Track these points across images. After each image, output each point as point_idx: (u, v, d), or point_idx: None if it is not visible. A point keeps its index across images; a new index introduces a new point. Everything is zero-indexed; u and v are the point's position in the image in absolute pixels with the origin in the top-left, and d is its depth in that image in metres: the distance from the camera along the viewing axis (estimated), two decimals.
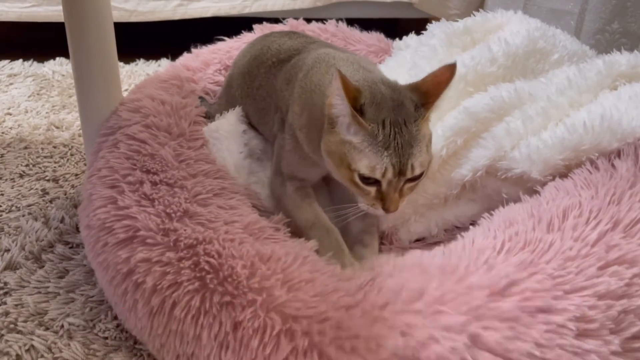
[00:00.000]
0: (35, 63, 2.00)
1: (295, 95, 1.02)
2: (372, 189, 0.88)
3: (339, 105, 0.85)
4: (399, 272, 0.79)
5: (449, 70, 0.88)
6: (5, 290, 1.00)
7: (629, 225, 0.82)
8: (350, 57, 1.04)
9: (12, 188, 1.30)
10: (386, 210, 0.88)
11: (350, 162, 0.86)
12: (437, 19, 1.36)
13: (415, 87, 0.90)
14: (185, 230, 0.87)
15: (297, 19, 1.61)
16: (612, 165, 0.94)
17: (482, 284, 0.74)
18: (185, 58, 1.52)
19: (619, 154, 0.96)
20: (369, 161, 0.85)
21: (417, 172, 0.87)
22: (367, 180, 0.87)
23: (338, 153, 0.88)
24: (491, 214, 0.95)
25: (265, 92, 1.18)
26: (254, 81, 1.21)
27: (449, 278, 0.76)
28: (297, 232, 1.00)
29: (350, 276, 0.82)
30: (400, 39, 1.52)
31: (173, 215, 0.90)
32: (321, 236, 0.97)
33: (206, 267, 0.81)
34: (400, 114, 0.86)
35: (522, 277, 0.75)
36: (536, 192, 0.96)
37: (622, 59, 1.12)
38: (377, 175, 0.85)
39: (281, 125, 1.09)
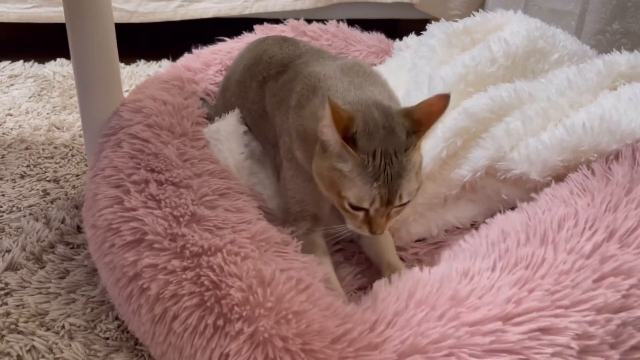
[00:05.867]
0: (36, 64, 2.00)
1: (290, 122, 1.01)
2: (360, 214, 0.88)
3: (329, 133, 0.85)
4: (405, 314, 0.77)
5: (442, 101, 0.87)
6: (6, 290, 1.01)
7: (625, 235, 0.81)
8: (337, 73, 1.01)
9: (13, 189, 1.31)
10: (372, 233, 0.89)
11: (340, 189, 0.87)
12: (438, 20, 1.36)
13: (407, 113, 0.89)
14: (192, 236, 0.86)
15: (297, 19, 1.61)
16: (609, 168, 0.94)
17: (494, 315, 0.73)
18: (186, 59, 1.52)
19: (617, 155, 0.96)
20: (358, 191, 0.85)
21: (405, 200, 0.87)
22: (355, 206, 0.87)
23: (328, 178, 0.88)
24: (490, 219, 0.95)
25: (260, 108, 1.17)
26: (248, 93, 1.20)
27: (460, 311, 0.75)
28: None
29: (348, 314, 0.80)
30: (401, 39, 1.52)
31: (181, 219, 0.89)
32: None
33: (206, 282, 0.80)
34: (391, 143, 0.85)
35: (523, 295, 0.75)
36: (533, 199, 0.96)
37: (621, 59, 1.12)
38: (365, 205, 0.86)
39: (280, 155, 1.08)
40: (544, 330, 0.71)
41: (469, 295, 0.77)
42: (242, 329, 0.75)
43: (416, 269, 0.88)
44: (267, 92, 1.14)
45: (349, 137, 0.84)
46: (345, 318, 0.78)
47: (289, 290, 0.80)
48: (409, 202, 0.89)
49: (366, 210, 0.87)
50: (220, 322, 0.77)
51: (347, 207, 0.87)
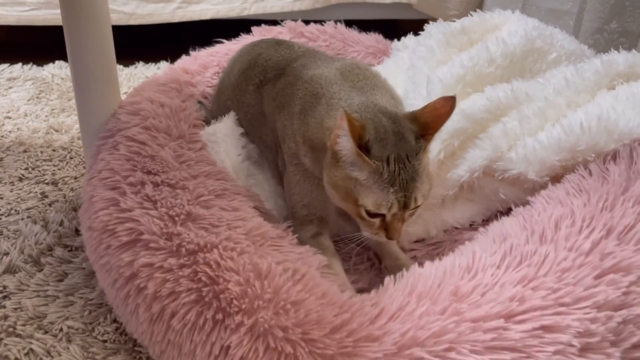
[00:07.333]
0: (34, 66, 2.00)
1: (295, 128, 1.01)
2: (377, 220, 0.89)
3: (344, 143, 0.85)
4: (407, 308, 0.77)
5: (448, 103, 0.88)
6: (4, 293, 1.01)
7: (622, 232, 0.81)
8: (338, 78, 1.01)
9: (12, 191, 1.31)
10: (390, 238, 0.90)
11: (356, 197, 0.87)
12: (436, 20, 1.36)
13: (414, 118, 0.90)
14: (188, 234, 0.86)
15: (295, 20, 1.61)
16: (606, 168, 0.93)
17: (496, 312, 0.73)
18: (183, 61, 1.52)
19: (614, 155, 0.95)
20: (376, 198, 0.86)
21: (420, 202, 0.89)
22: (373, 213, 0.88)
23: (344, 188, 0.89)
24: (485, 229, 0.94)
25: (257, 111, 1.17)
26: (243, 96, 1.20)
27: (462, 307, 0.75)
28: None
29: (346, 304, 0.80)
30: (399, 40, 1.52)
31: (176, 218, 0.89)
32: None
33: (203, 278, 0.80)
34: (402, 148, 0.87)
35: (527, 294, 0.75)
36: (528, 203, 0.95)
37: (619, 59, 1.12)
38: (383, 210, 0.87)
39: (283, 160, 1.08)
40: (546, 329, 0.72)
41: (472, 291, 0.77)
42: (242, 322, 0.76)
43: (417, 264, 0.88)
44: (264, 95, 1.14)
45: (362, 146, 0.85)
46: (342, 307, 0.79)
47: (285, 281, 0.80)
48: (422, 204, 0.91)
49: (382, 217, 0.89)
50: (219, 316, 0.77)
51: (364, 214, 0.89)
